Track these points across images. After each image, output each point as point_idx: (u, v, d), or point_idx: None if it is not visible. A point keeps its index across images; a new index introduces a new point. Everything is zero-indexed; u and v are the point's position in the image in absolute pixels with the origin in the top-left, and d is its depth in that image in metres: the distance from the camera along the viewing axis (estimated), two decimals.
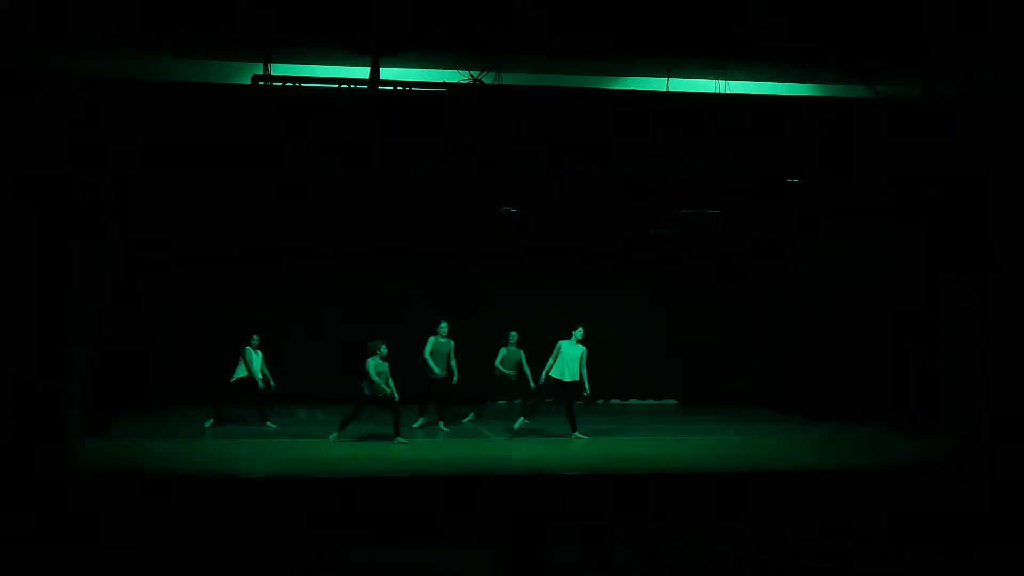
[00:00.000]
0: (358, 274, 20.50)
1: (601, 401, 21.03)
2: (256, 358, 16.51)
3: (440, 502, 11.86)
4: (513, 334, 16.94)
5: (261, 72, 11.60)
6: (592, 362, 20.93)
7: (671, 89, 12.44)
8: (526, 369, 16.43)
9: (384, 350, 14.89)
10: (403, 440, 14.73)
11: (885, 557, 10.34)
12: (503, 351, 16.77)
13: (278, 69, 11.71)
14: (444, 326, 16.45)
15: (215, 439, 15.39)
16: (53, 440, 12.82)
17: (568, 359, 15.32)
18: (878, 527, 11.45)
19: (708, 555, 9.30)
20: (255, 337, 16.62)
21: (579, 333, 15.48)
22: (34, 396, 12.74)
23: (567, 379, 15.23)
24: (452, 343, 16.44)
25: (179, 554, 10.26)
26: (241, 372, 16.43)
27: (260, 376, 16.37)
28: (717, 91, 12.60)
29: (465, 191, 14.95)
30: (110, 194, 15.69)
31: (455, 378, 16.27)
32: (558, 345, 15.49)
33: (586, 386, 15.27)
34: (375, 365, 14.75)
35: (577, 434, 15.31)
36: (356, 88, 11.73)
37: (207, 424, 16.18)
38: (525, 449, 14.53)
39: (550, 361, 15.45)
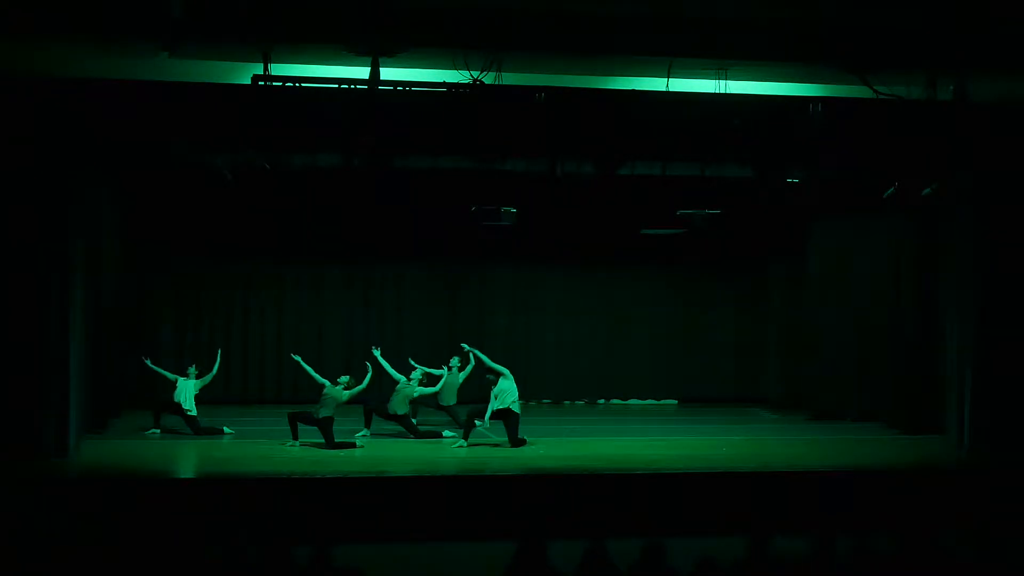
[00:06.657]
0: (357, 274, 20.52)
1: (601, 401, 21.06)
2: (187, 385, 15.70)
3: (441, 502, 11.86)
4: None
5: (261, 72, 11.58)
6: (593, 362, 21.11)
7: (671, 89, 12.42)
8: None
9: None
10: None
11: (885, 558, 10.32)
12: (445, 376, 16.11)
13: (278, 69, 11.69)
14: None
15: (214, 439, 15.36)
16: (53, 440, 12.83)
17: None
18: (878, 527, 11.44)
19: (708, 555, 9.29)
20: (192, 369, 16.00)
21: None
22: (34, 396, 12.74)
23: None
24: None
25: (179, 553, 10.25)
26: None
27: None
28: (717, 91, 12.59)
29: (465, 191, 14.92)
30: (110, 194, 15.70)
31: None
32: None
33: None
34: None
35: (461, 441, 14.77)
36: (356, 88, 11.71)
37: (148, 433, 15.55)
38: (525, 449, 14.51)
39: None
